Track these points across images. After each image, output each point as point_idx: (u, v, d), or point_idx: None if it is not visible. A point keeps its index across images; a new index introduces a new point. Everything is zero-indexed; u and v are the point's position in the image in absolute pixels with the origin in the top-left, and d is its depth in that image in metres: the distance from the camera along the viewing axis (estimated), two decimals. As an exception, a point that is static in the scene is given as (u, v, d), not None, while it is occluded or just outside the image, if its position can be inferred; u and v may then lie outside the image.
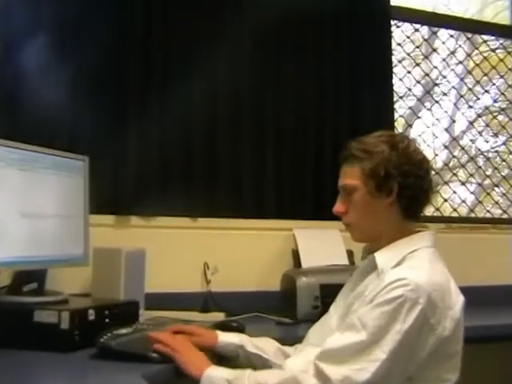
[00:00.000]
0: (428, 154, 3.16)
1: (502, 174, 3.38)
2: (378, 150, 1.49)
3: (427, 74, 3.27)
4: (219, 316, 2.19)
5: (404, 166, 1.48)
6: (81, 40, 2.28)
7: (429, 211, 3.08)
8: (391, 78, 2.95)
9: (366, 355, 1.29)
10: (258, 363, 1.58)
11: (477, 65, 3.39)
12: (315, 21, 2.72)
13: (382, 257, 1.47)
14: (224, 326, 1.81)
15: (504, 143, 3.45)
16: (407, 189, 1.48)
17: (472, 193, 3.35)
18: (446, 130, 3.33)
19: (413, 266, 1.42)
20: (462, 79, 3.40)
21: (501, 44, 3.48)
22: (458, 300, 1.43)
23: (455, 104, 3.38)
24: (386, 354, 1.29)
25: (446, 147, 3.33)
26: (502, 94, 3.43)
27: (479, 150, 3.42)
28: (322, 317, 1.67)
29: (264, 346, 1.61)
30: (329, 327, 1.56)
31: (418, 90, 3.28)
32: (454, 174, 3.29)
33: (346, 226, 1.56)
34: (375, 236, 1.52)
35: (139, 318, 1.87)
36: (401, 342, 1.30)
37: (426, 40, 3.33)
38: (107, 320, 1.68)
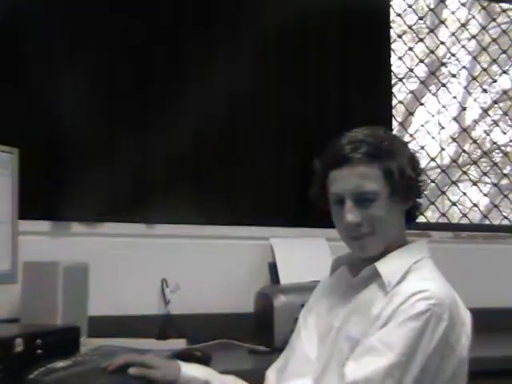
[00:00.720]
0: (433, 148, 3.19)
1: (523, 172, 3.42)
2: (399, 148, 1.52)
3: (432, 52, 3.29)
4: (180, 343, 2.20)
5: (421, 168, 1.57)
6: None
7: (433, 217, 3.10)
8: (389, 56, 2.96)
9: (394, 380, 1.34)
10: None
11: (493, 40, 3.42)
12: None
13: (387, 268, 1.49)
14: (185, 356, 1.81)
15: (525, 135, 3.49)
16: (421, 193, 1.56)
17: (486, 195, 3.37)
18: (455, 119, 3.36)
19: (425, 277, 1.46)
20: (474, 57, 3.43)
21: (523, 15, 3.51)
22: (467, 315, 1.48)
23: (466, 88, 3.41)
24: (413, 378, 1.35)
25: (454, 140, 3.35)
26: (524, 75, 3.46)
27: (495, 143, 3.46)
28: (287, 347, 1.67)
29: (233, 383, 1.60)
30: (303, 357, 1.57)
31: (422, 71, 3.31)
32: (464, 173, 3.32)
33: (359, 239, 1.51)
34: (387, 246, 1.53)
35: (80, 348, 1.84)
36: (425, 364, 1.36)
37: (431, 10, 3.35)
38: (39, 351, 1.63)
